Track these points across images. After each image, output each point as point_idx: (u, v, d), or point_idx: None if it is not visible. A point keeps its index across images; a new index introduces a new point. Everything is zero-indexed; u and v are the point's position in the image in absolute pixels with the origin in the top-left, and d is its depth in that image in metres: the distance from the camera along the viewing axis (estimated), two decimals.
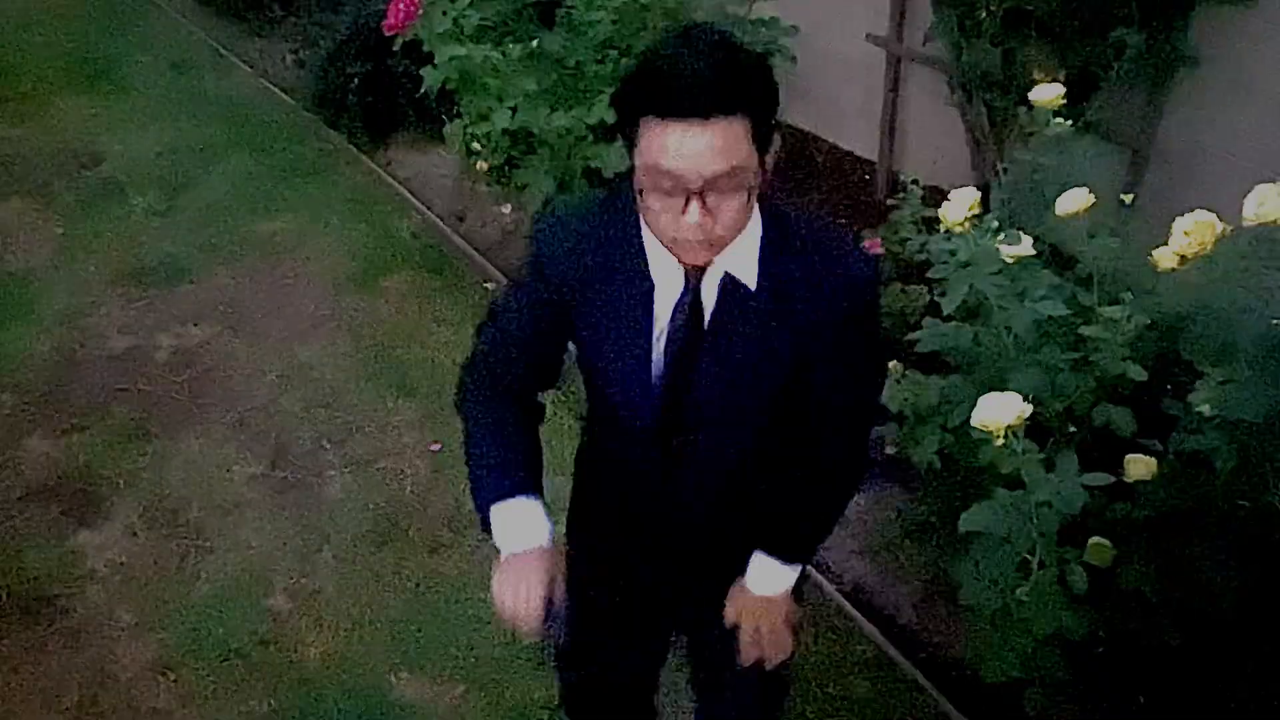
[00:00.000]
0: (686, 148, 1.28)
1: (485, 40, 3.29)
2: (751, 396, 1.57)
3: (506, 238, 4.32)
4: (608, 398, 1.62)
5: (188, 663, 2.88)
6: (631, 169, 1.39)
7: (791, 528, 1.75)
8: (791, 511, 1.73)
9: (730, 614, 1.79)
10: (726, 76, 1.29)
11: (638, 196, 1.38)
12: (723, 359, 1.53)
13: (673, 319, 1.52)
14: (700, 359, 1.53)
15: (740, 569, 1.79)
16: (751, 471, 1.71)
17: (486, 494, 1.67)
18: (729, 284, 1.49)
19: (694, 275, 1.48)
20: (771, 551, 1.74)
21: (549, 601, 1.58)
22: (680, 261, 1.45)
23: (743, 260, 1.47)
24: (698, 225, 1.33)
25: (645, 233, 1.47)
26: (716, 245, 1.40)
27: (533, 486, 1.68)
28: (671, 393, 1.56)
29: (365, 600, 3.02)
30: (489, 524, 1.67)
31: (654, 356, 1.55)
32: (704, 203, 1.32)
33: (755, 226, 1.47)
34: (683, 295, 1.50)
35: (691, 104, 1.27)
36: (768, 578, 1.75)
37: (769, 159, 1.38)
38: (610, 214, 1.50)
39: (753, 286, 1.48)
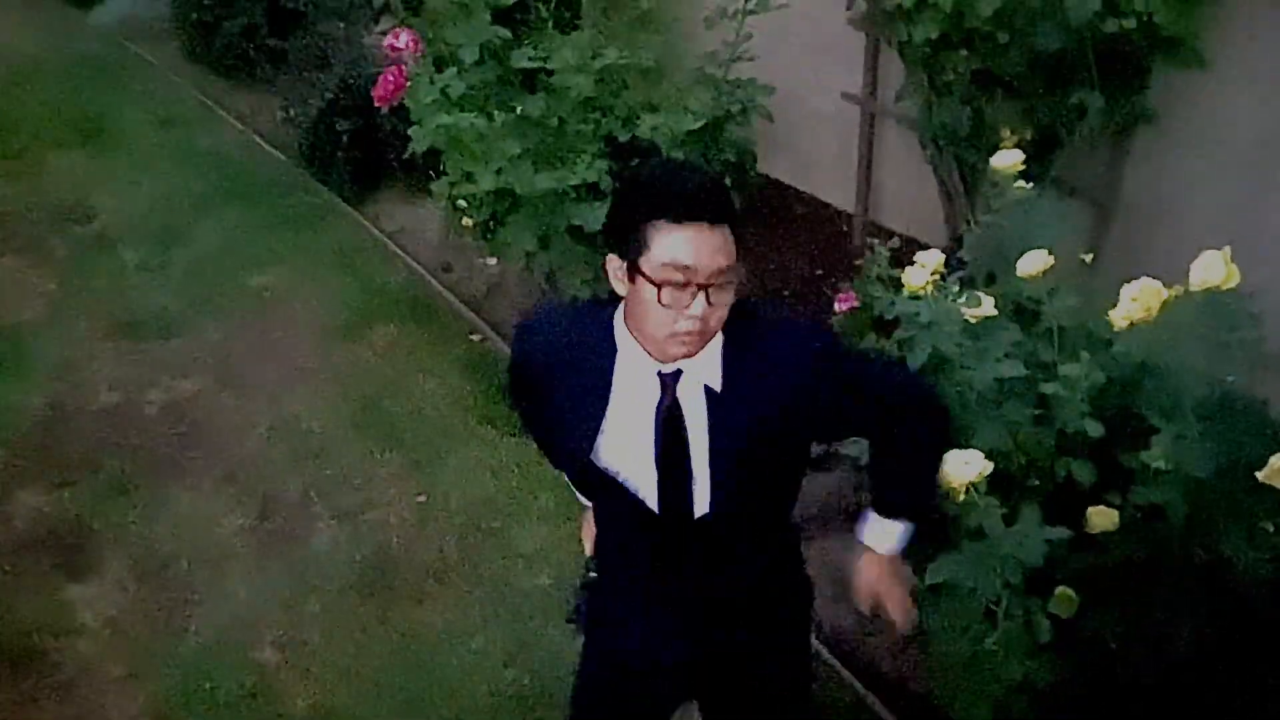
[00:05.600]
0: (700, 245, 1.53)
1: (470, 107, 3.38)
2: (761, 475, 1.76)
3: (493, 290, 4.41)
4: (608, 482, 1.79)
5: (176, 715, 2.93)
6: (614, 291, 1.63)
7: (890, 490, 1.94)
8: (886, 475, 1.93)
9: (858, 584, 1.97)
10: (719, 193, 1.58)
11: (638, 298, 1.58)
12: (718, 453, 1.70)
13: (655, 422, 1.70)
14: (692, 457, 1.71)
15: (762, 619, 1.93)
16: (770, 529, 1.90)
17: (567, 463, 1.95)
18: (699, 389, 1.68)
19: (669, 381, 1.67)
20: (881, 511, 1.93)
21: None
22: (664, 358, 1.64)
23: (708, 366, 1.67)
24: (699, 316, 1.55)
25: (619, 335, 1.67)
26: (704, 340, 1.61)
27: None
28: (672, 484, 1.74)
29: (352, 651, 3.07)
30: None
31: (644, 453, 1.72)
32: (708, 297, 1.54)
33: (716, 336, 1.66)
34: (660, 400, 1.68)
35: (701, 209, 1.54)
36: (878, 534, 1.94)
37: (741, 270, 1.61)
38: (587, 320, 1.71)
39: (718, 388, 1.67)
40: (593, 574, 2.05)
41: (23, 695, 2.98)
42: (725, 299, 1.57)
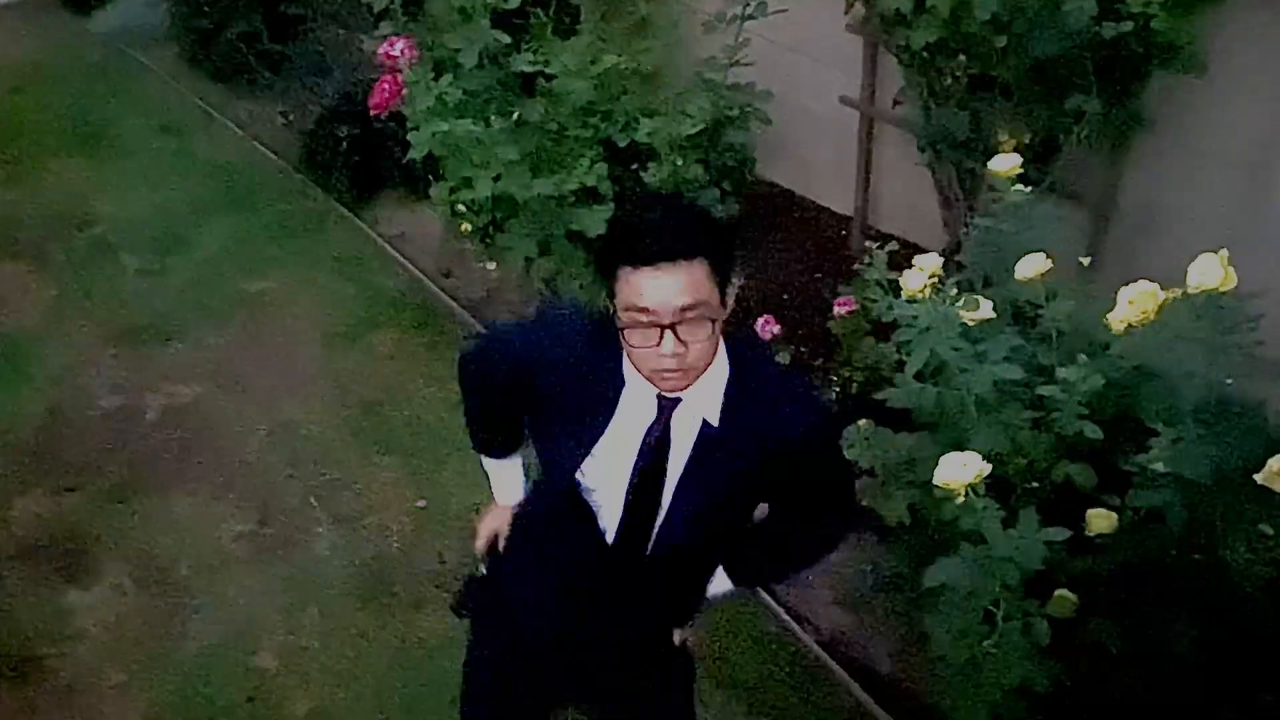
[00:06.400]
0: (657, 288, 1.53)
1: (468, 112, 3.39)
2: (714, 521, 1.80)
3: (492, 294, 4.41)
4: (577, 498, 1.80)
5: None
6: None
7: (755, 563, 2.02)
8: (763, 548, 1.98)
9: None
10: (683, 229, 1.57)
11: (622, 336, 1.60)
12: (688, 488, 1.73)
13: (642, 445, 1.72)
14: (665, 487, 1.74)
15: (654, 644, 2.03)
16: (700, 575, 1.97)
17: (486, 451, 2.11)
18: (694, 421, 1.70)
19: (667, 406, 1.69)
20: (733, 575, 2.00)
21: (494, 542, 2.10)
22: (658, 389, 1.65)
23: (709, 399, 1.69)
24: (672, 355, 1.55)
25: (626, 366, 1.68)
26: (690, 373, 1.62)
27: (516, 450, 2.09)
28: (637, 512, 1.77)
29: (351, 657, 3.07)
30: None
31: (624, 474, 1.74)
32: (677, 334, 1.54)
33: (721, 368, 1.68)
34: (653, 425, 1.70)
35: (657, 252, 1.53)
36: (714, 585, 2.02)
37: (729, 295, 1.62)
38: (600, 342, 1.69)
39: (715, 423, 1.69)
40: (483, 570, 2.12)
41: (22, 701, 2.98)
42: (700, 334, 1.56)
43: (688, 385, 1.64)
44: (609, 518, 1.79)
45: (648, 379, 1.64)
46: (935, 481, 2.02)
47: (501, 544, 2.08)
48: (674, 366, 1.57)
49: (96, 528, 3.47)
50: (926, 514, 2.44)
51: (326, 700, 2.97)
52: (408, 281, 4.51)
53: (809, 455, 1.76)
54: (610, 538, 1.80)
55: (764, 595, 3.12)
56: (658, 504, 1.76)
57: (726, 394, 1.69)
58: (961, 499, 2.02)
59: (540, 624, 1.97)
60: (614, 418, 1.72)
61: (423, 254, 4.64)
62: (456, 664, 2.99)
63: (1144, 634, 2.14)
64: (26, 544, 3.44)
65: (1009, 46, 3.03)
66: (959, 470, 1.98)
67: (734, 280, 1.62)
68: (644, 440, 1.71)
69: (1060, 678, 2.14)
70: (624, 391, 1.70)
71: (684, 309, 1.53)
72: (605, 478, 1.76)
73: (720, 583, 2.00)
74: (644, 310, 1.54)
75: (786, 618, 3.08)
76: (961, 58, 3.23)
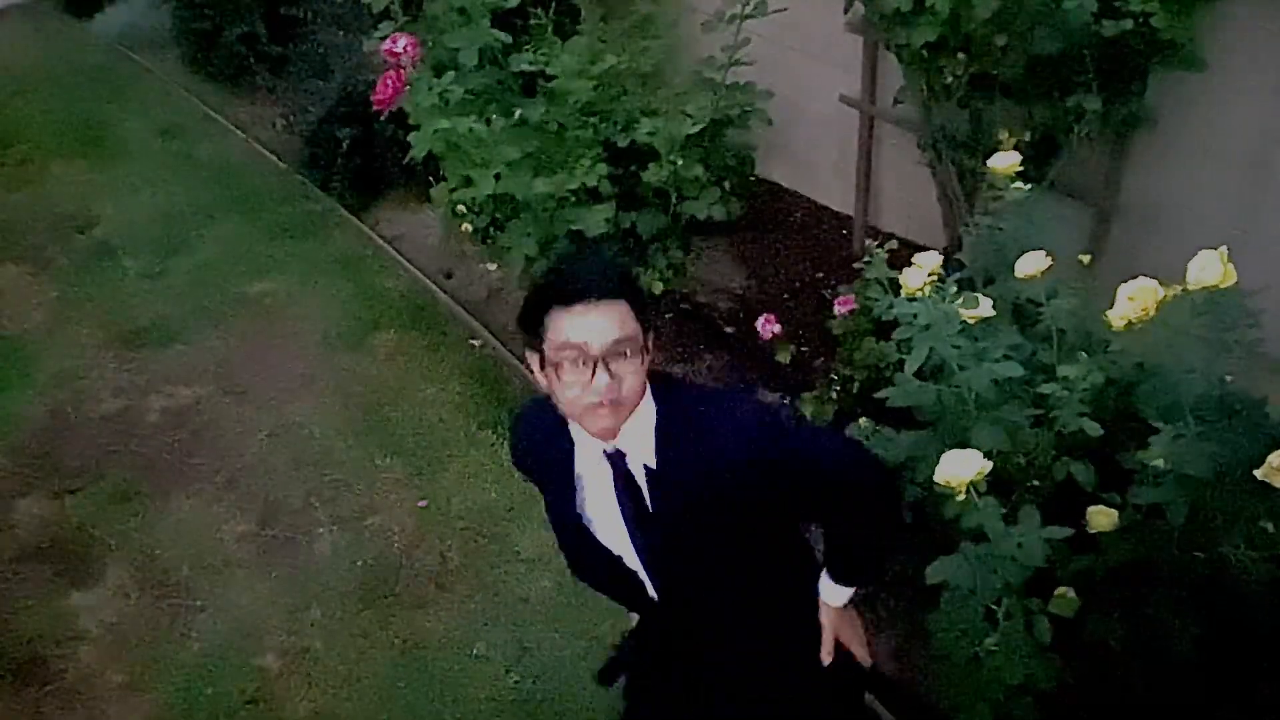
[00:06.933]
0: (587, 324, 1.61)
1: (469, 111, 3.39)
2: (708, 555, 1.81)
3: (493, 295, 4.41)
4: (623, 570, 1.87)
5: None
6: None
7: (842, 562, 1.96)
8: (837, 548, 1.94)
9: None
10: (607, 272, 1.67)
11: (553, 382, 1.66)
12: (673, 527, 1.78)
13: (618, 500, 1.78)
14: (656, 532, 1.79)
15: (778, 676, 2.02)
16: (763, 606, 1.94)
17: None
18: (641, 465, 1.75)
19: (617, 459, 1.74)
20: (835, 578, 1.96)
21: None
22: (593, 434, 1.70)
23: (641, 442, 1.74)
24: (605, 386, 1.61)
25: (572, 427, 1.75)
26: (621, 410, 1.66)
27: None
28: (654, 564, 1.83)
29: (353, 658, 3.07)
30: None
31: (624, 532, 1.81)
32: (609, 368, 1.61)
33: (649, 409, 1.73)
34: (615, 480, 1.77)
35: (587, 290, 1.62)
36: (832, 592, 1.99)
37: (650, 339, 1.69)
38: (550, 416, 1.77)
39: (653, 465, 1.74)
40: (629, 638, 2.13)
41: (25, 703, 2.99)
42: (629, 368, 1.63)
43: (619, 424, 1.68)
44: (644, 576, 1.86)
45: (581, 422, 1.69)
46: (936, 479, 2.02)
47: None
48: (606, 399, 1.62)
49: (99, 530, 3.48)
50: (928, 512, 2.44)
51: (328, 701, 2.97)
52: (409, 283, 4.52)
53: (768, 455, 1.73)
54: (651, 593, 1.86)
55: None
56: (662, 549, 1.82)
57: (657, 432, 1.74)
58: (962, 497, 2.02)
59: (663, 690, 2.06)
60: (582, 485, 1.81)
61: (423, 255, 4.65)
62: (459, 664, 3.03)
63: (1145, 631, 2.13)
64: (29, 546, 3.45)
65: (1009, 45, 3.02)
66: (960, 468, 1.98)
67: (651, 328, 1.69)
68: (616, 495, 1.78)
69: (1062, 675, 2.14)
70: (578, 458, 1.78)
71: (615, 342, 1.61)
72: (614, 542, 1.83)
73: (831, 590, 1.98)
74: (576, 346, 1.61)
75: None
76: (961, 56, 3.22)
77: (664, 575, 1.85)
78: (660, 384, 1.76)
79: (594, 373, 1.61)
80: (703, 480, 1.72)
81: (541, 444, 1.85)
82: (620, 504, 1.78)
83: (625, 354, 1.63)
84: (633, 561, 1.84)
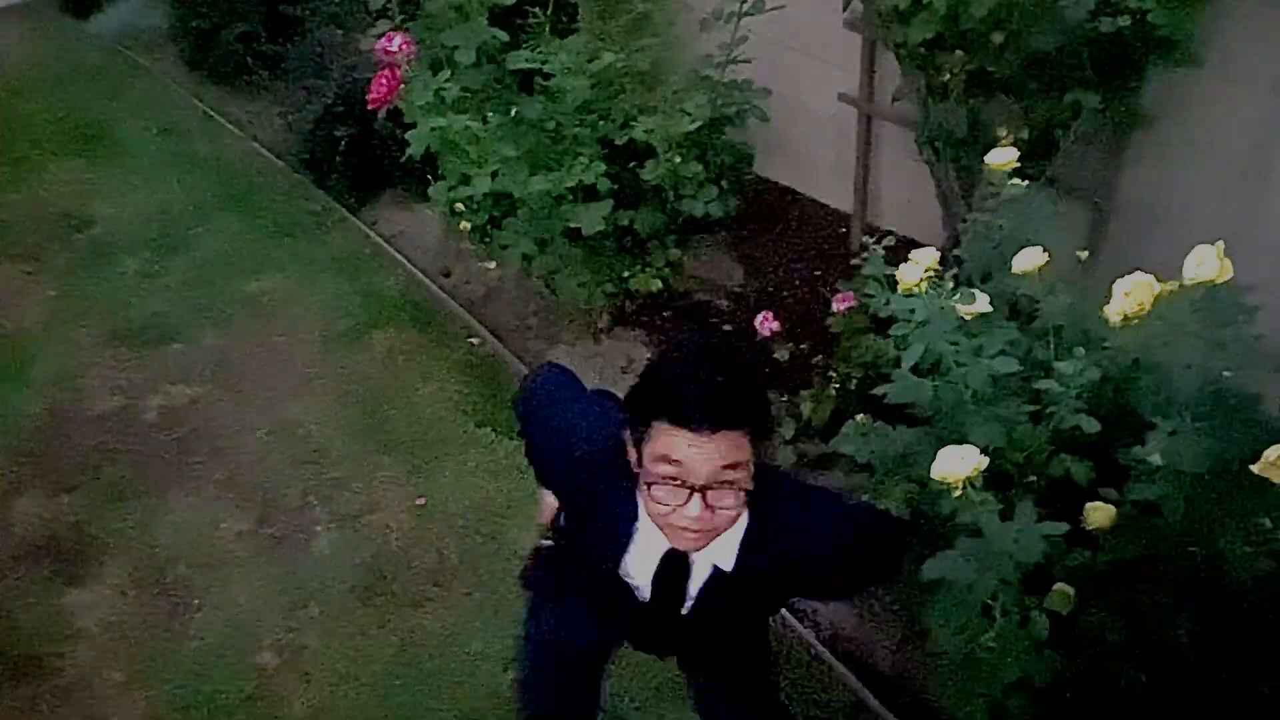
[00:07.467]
0: (695, 453, 1.46)
1: (466, 108, 3.39)
2: (740, 631, 1.88)
3: (491, 293, 4.41)
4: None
5: None
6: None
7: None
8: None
9: None
10: (732, 398, 1.48)
11: (643, 479, 1.54)
12: (702, 615, 1.76)
13: (655, 573, 1.71)
14: (685, 600, 1.76)
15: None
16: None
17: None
18: (707, 565, 1.69)
19: (677, 559, 1.68)
20: None
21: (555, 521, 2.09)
22: (671, 543, 1.61)
23: (721, 550, 1.66)
24: (697, 517, 1.49)
25: (640, 499, 1.63)
26: (711, 535, 1.57)
27: None
28: (664, 604, 1.79)
29: (351, 655, 3.07)
30: None
31: (646, 579, 1.76)
32: (705, 499, 1.49)
33: (740, 522, 1.63)
34: (661, 566, 1.69)
35: (702, 418, 1.47)
36: None
37: (761, 451, 1.57)
38: (615, 473, 1.63)
39: (728, 569, 1.67)
40: (547, 541, 2.13)
41: (23, 701, 2.99)
42: (729, 499, 1.51)
43: (704, 547, 1.60)
44: (641, 588, 1.82)
45: (663, 530, 1.59)
46: (932, 476, 2.01)
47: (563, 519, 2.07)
48: (696, 529, 1.53)
49: (96, 528, 3.48)
50: (924, 508, 2.44)
51: (327, 698, 2.97)
52: (407, 281, 4.52)
53: (835, 563, 1.78)
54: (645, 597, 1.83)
55: None
56: (681, 606, 1.79)
57: (742, 545, 1.65)
58: (959, 493, 2.01)
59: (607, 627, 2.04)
60: (630, 546, 1.72)
61: (422, 254, 4.65)
62: (457, 661, 3.02)
63: (1142, 627, 2.13)
64: (27, 544, 3.44)
65: (1007, 42, 3.02)
66: (956, 464, 1.98)
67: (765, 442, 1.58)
68: (654, 582, 1.72)
69: (1059, 672, 2.13)
70: (636, 529, 1.68)
71: (722, 471, 1.49)
72: (633, 575, 1.79)
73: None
74: (676, 465, 1.48)
75: (787, 614, 3.08)
76: (959, 54, 3.22)
77: (670, 620, 1.83)
78: (758, 486, 1.61)
79: (689, 500, 1.49)
80: (768, 583, 1.71)
81: (596, 491, 1.72)
82: (656, 574, 1.72)
83: (731, 483, 1.50)
84: (639, 580, 1.79)
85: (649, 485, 1.52)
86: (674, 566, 1.69)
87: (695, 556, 1.68)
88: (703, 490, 1.49)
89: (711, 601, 1.75)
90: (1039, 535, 2.04)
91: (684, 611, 1.80)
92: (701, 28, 3.59)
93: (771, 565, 1.67)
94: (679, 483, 1.49)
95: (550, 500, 2.08)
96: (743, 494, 1.53)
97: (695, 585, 1.74)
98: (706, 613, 1.78)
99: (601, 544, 1.75)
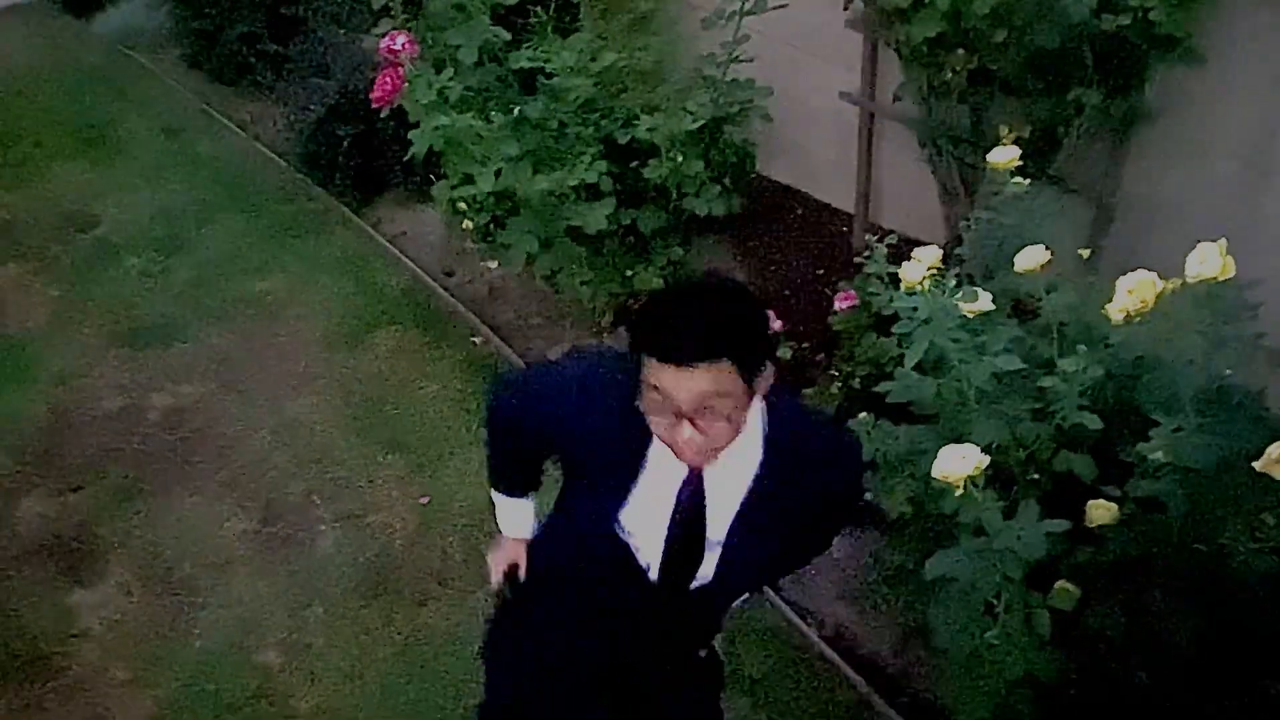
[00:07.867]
0: (675, 386, 1.51)
1: (469, 108, 3.39)
2: (761, 565, 1.86)
3: (494, 293, 4.41)
4: (615, 539, 1.82)
5: (181, 719, 2.93)
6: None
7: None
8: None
9: None
10: (714, 332, 1.49)
11: (644, 407, 1.58)
12: (733, 543, 1.76)
13: (676, 501, 1.73)
14: (705, 536, 1.77)
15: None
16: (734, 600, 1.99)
17: (505, 490, 2.12)
18: (730, 481, 1.71)
19: (694, 481, 1.71)
20: None
21: (513, 574, 2.11)
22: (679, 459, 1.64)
23: (737, 475, 1.70)
24: (690, 439, 1.54)
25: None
26: (710, 453, 1.60)
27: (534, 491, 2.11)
28: (679, 556, 1.80)
29: (355, 654, 3.07)
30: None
31: (661, 523, 1.76)
32: (694, 424, 1.53)
33: (753, 444, 1.67)
34: (684, 484, 1.71)
35: (681, 353, 1.49)
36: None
37: (762, 381, 1.58)
38: (621, 397, 1.64)
39: (750, 479, 1.70)
40: (506, 596, 2.11)
41: (28, 700, 3.00)
42: (720, 426, 1.54)
43: (708, 462, 1.64)
44: (649, 556, 1.82)
45: (669, 447, 1.62)
46: (934, 474, 2.02)
47: (522, 574, 2.10)
48: (693, 450, 1.57)
49: (101, 527, 3.49)
50: (928, 507, 2.44)
51: (331, 697, 2.98)
52: (410, 280, 4.52)
53: (845, 501, 1.87)
54: (653, 575, 1.83)
55: (768, 591, 3.12)
56: (700, 551, 1.78)
57: (756, 478, 1.70)
58: (962, 491, 2.02)
59: (574, 651, 2.02)
60: (645, 469, 1.72)
61: (425, 253, 4.65)
62: (461, 660, 3.02)
63: (1145, 624, 2.14)
64: (32, 544, 3.45)
65: (1008, 40, 3.03)
66: (959, 462, 1.98)
67: (765, 367, 1.58)
68: (677, 497, 1.73)
69: (1062, 669, 2.14)
70: (652, 452, 1.70)
71: (706, 402, 1.51)
72: (642, 524, 1.77)
73: None
74: (664, 396, 1.52)
75: (790, 613, 3.09)
76: (961, 52, 3.23)
77: (683, 566, 1.82)
78: (772, 409, 1.67)
79: (679, 423, 1.53)
80: (796, 505, 1.72)
81: (601, 417, 1.71)
82: (677, 502, 1.73)
83: (717, 410, 1.53)
84: (646, 543, 1.79)
85: (646, 398, 1.57)
86: (693, 496, 1.72)
87: (711, 477, 1.70)
88: (690, 418, 1.53)
89: (742, 529, 1.75)
90: (1042, 533, 2.04)
91: (691, 584, 1.83)
92: (703, 26, 3.60)
93: (783, 499, 1.71)
94: (665, 407, 1.54)
95: (501, 558, 2.11)
96: (738, 418, 1.57)
97: (717, 513, 1.75)
98: (721, 567, 1.79)
99: (607, 479, 1.76)
